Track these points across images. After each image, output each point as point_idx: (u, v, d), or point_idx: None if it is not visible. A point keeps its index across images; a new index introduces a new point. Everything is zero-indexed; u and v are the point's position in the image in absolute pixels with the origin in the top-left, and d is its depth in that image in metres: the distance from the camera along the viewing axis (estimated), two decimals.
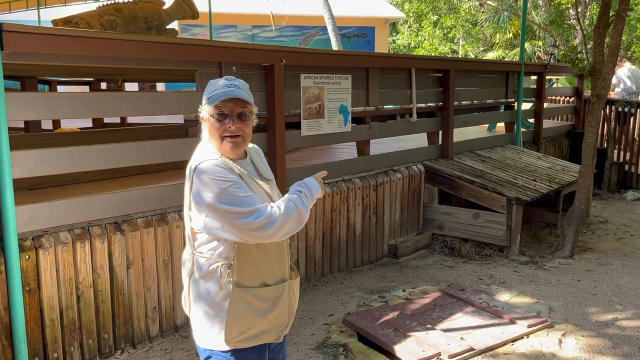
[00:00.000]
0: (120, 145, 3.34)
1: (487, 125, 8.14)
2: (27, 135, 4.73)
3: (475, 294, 4.12)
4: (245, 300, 1.88)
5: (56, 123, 6.64)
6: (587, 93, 8.87)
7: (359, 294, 4.29)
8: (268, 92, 4.03)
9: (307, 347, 3.41)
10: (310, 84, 4.39)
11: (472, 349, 3.28)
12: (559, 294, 4.28)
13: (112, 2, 5.46)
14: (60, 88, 7.84)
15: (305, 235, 4.41)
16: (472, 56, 21.63)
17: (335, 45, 13.31)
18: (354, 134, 4.90)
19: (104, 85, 7.91)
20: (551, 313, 3.88)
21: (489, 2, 18.35)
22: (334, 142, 4.92)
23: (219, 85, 1.89)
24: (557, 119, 9.90)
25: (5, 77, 2.74)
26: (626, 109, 8.60)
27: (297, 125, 4.38)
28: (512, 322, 3.64)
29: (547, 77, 8.42)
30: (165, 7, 5.74)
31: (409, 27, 25.29)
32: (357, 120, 5.04)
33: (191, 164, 1.90)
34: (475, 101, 6.87)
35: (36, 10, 10.29)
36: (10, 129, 2.77)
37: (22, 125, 5.62)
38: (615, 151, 8.51)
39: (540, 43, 19.08)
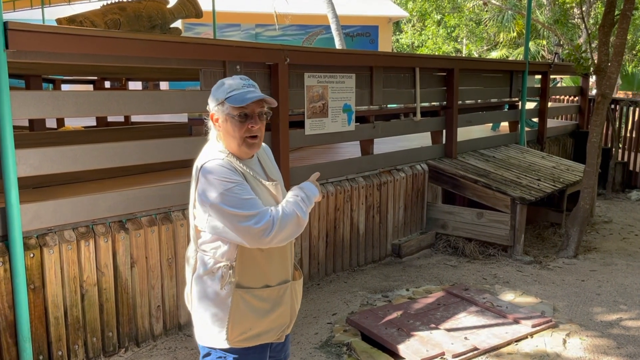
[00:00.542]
0: (125, 144, 3.34)
1: (491, 124, 8.12)
2: (32, 134, 4.74)
3: (479, 294, 4.11)
4: (247, 301, 1.88)
5: (60, 122, 6.65)
6: (591, 92, 8.85)
7: (363, 293, 4.28)
8: (272, 91, 4.03)
9: (311, 346, 3.41)
10: (314, 83, 4.39)
11: (476, 349, 3.28)
12: (563, 294, 4.26)
13: (116, 1, 5.46)
14: (64, 87, 7.85)
15: (309, 235, 4.40)
16: (476, 55, 21.58)
17: (338, 44, 13.30)
18: (357, 133, 4.90)
19: (107, 84, 7.92)
20: (555, 313, 3.87)
21: (493, 1, 18.29)
22: (338, 141, 4.91)
23: (238, 86, 1.88)
24: (561, 119, 9.88)
25: (10, 76, 2.75)
26: (631, 108, 8.57)
27: (300, 124, 4.38)
28: (516, 322, 3.63)
29: (551, 77, 8.39)
30: (169, 6, 5.74)
31: (413, 26, 25.25)
32: (361, 119, 5.03)
33: (197, 163, 1.90)
34: (479, 100, 6.85)
35: (40, 9, 10.32)
36: (14, 127, 2.78)
37: (26, 123, 5.63)
38: (620, 151, 8.49)
39: (545, 42, 19.03)
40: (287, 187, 2.13)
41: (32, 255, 2.85)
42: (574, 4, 16.07)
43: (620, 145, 8.63)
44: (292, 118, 4.24)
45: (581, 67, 5.77)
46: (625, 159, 8.56)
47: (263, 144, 2.10)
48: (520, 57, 17.58)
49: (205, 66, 3.66)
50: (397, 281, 4.56)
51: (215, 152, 1.90)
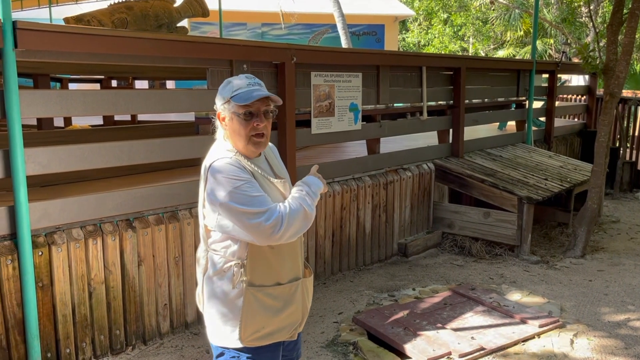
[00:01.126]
0: (132, 143, 3.35)
1: (498, 123, 8.09)
2: (40, 133, 4.77)
3: (485, 293, 4.10)
4: (259, 299, 1.88)
5: (67, 120, 6.69)
6: (599, 91, 8.80)
7: (369, 292, 4.28)
8: (279, 90, 4.03)
9: (317, 345, 3.41)
10: (321, 82, 4.39)
11: (482, 349, 3.27)
12: (571, 294, 4.25)
13: (123, 0, 5.47)
14: (71, 86, 7.89)
15: (315, 234, 4.41)
16: (483, 54, 21.51)
17: (344, 43, 13.29)
18: (364, 132, 4.89)
19: (114, 83, 7.95)
20: (563, 313, 3.85)
21: (500, 0, 18.22)
22: (344, 140, 4.91)
23: (243, 84, 1.88)
24: (569, 118, 9.83)
25: (19, 75, 2.76)
26: (639, 107, 8.51)
27: (307, 124, 4.38)
28: (523, 321, 3.62)
29: (558, 75, 8.35)
30: (175, 4, 5.76)
31: (419, 24, 25.18)
32: (368, 118, 5.02)
33: (206, 163, 1.91)
34: (486, 99, 6.83)
35: (47, 8, 10.36)
36: (23, 126, 2.79)
37: (34, 122, 5.65)
38: (628, 150, 8.44)
39: (552, 41, 18.93)
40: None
41: (40, 253, 2.87)
42: (581, 3, 15.98)
43: (628, 145, 8.57)
44: (298, 117, 4.24)
45: (589, 66, 5.73)
46: (633, 159, 8.51)
47: (270, 143, 2.10)
48: (527, 56, 17.50)
49: (212, 65, 3.67)
50: (403, 280, 4.55)
51: (223, 151, 1.91)
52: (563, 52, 9.65)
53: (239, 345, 1.90)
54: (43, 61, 3.13)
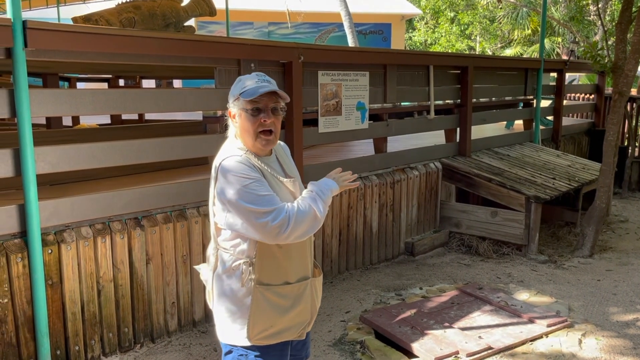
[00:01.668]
0: (141, 142, 3.37)
1: (505, 122, 8.06)
2: (49, 132, 4.80)
3: (493, 293, 4.09)
4: (267, 298, 1.89)
5: (75, 119, 6.72)
6: (608, 90, 8.74)
7: (376, 291, 4.28)
8: (286, 89, 4.03)
9: (325, 344, 3.42)
10: (328, 81, 4.39)
11: (490, 348, 3.26)
12: (579, 293, 4.23)
13: None
14: (79, 85, 7.93)
15: (322, 232, 4.41)
16: (490, 53, 21.42)
17: (351, 42, 13.27)
18: (371, 131, 4.89)
19: (121, 82, 7.98)
20: (571, 313, 3.83)
21: None
22: (351, 139, 4.91)
23: (251, 81, 1.90)
24: (577, 117, 9.77)
25: (28, 74, 2.78)
26: None
27: (314, 122, 4.38)
28: (531, 321, 3.61)
29: (567, 74, 8.31)
30: (183, 4, 5.77)
31: (426, 23, 25.11)
32: (375, 117, 5.02)
33: (216, 161, 1.92)
34: (493, 98, 6.81)
35: (56, 8, 10.42)
36: (32, 125, 2.81)
37: (43, 121, 5.69)
38: (637, 149, 8.38)
39: (560, 39, 18.83)
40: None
41: (50, 251, 2.89)
42: (589, 1, 15.88)
43: (637, 144, 8.51)
44: (305, 116, 4.24)
45: (598, 65, 5.70)
46: None
47: (281, 142, 2.11)
48: (535, 55, 17.41)
49: (220, 64, 3.68)
50: (410, 280, 4.55)
51: (233, 149, 1.91)
52: (571, 50, 9.58)
53: (247, 343, 1.91)
54: (52, 60, 3.14)
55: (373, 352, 3.29)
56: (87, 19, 5.28)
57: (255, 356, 1.93)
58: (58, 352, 2.97)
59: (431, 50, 22.34)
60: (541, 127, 7.43)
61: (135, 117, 7.09)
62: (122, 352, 3.24)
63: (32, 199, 2.78)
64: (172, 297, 3.46)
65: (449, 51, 21.33)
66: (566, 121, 8.31)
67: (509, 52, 20.44)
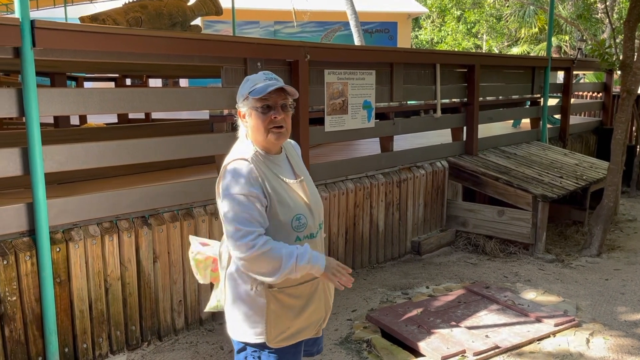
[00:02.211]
0: (148, 141, 3.38)
1: (512, 121, 8.02)
2: (57, 131, 4.83)
3: (500, 292, 4.08)
4: (280, 300, 1.90)
5: (82, 119, 6.76)
6: (615, 88, 8.68)
7: (382, 290, 4.28)
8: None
9: (331, 343, 3.42)
10: (334, 80, 4.39)
11: (497, 347, 3.25)
12: (587, 292, 4.21)
13: None
14: (86, 84, 7.97)
15: (329, 231, 4.41)
16: (496, 51, 21.34)
17: (357, 41, 13.26)
18: (377, 129, 4.88)
19: (128, 82, 8.02)
20: (578, 312, 3.82)
21: None
22: (358, 138, 4.91)
23: (260, 80, 1.91)
24: (584, 115, 9.72)
25: (36, 74, 2.79)
26: None
27: (320, 121, 4.38)
28: (538, 320, 3.60)
29: (574, 72, 8.26)
30: (189, 3, 5.79)
31: (432, 22, 25.04)
32: (381, 116, 5.01)
33: (225, 162, 1.93)
34: (500, 97, 6.78)
35: (63, 8, 10.47)
36: (40, 124, 2.83)
37: (51, 120, 5.72)
38: None
39: (567, 37, 18.73)
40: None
41: (58, 249, 2.91)
42: None
43: None
44: (312, 115, 4.24)
45: (605, 63, 5.67)
46: None
47: (292, 141, 2.12)
48: (542, 53, 17.33)
49: (226, 63, 3.68)
50: (416, 278, 4.54)
51: (242, 150, 1.92)
52: (579, 48, 9.53)
53: (260, 341, 1.92)
54: (60, 60, 3.16)
55: (379, 350, 3.29)
56: (94, 18, 5.30)
57: (270, 353, 1.94)
58: (66, 350, 2.99)
59: (438, 48, 22.27)
60: (548, 125, 7.40)
61: (141, 116, 7.12)
62: (129, 350, 3.26)
63: (40, 197, 2.80)
64: (179, 296, 3.48)
65: (455, 50, 21.25)
66: (574, 120, 8.27)
67: (515, 50, 20.35)
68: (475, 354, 3.17)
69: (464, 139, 5.95)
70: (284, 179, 1.94)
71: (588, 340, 3.39)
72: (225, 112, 3.87)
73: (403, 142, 5.85)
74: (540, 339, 3.40)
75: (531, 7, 18.72)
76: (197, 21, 6.37)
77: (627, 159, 7.07)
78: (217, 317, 3.65)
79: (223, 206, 1.85)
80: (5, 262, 2.73)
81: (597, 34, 17.15)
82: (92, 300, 3.06)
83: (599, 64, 5.89)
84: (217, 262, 2.08)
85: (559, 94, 7.75)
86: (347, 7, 13.20)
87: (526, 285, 4.35)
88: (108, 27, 3.80)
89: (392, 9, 17.44)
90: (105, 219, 3.16)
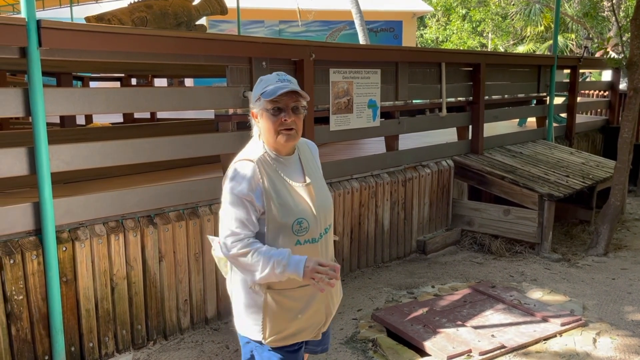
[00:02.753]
0: (154, 140, 3.39)
1: (517, 120, 7.99)
2: (63, 130, 4.84)
3: (506, 291, 4.06)
4: (279, 302, 1.91)
5: (88, 118, 6.78)
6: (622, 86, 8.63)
7: (388, 289, 4.27)
8: None
9: (336, 342, 3.42)
10: (339, 79, 4.38)
11: (503, 347, 3.24)
12: (593, 292, 4.19)
13: None
14: (92, 84, 8.00)
15: (334, 231, 4.40)
16: (502, 50, 21.26)
17: (362, 40, 13.24)
18: (382, 128, 4.87)
19: (134, 81, 8.04)
20: (585, 312, 3.80)
21: None
22: (363, 137, 4.90)
23: (273, 81, 1.91)
24: (591, 114, 9.66)
25: (42, 74, 2.80)
26: None
27: (325, 120, 4.38)
28: (544, 320, 3.58)
29: (581, 71, 8.22)
30: (194, 3, 5.80)
31: (437, 20, 24.98)
32: (386, 115, 5.00)
33: (233, 160, 1.96)
34: (506, 95, 6.75)
35: (69, 8, 10.52)
36: (46, 124, 2.83)
37: (57, 120, 5.74)
38: None
39: (573, 36, 18.64)
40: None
41: (64, 248, 2.92)
42: None
43: None
44: (317, 114, 4.24)
45: (612, 61, 5.63)
46: None
47: (310, 142, 2.12)
48: (548, 52, 17.26)
49: (231, 62, 3.68)
50: (422, 278, 4.53)
51: (251, 150, 1.94)
52: (585, 47, 9.49)
53: (260, 338, 1.94)
54: (66, 59, 3.17)
55: (385, 350, 3.28)
56: (99, 18, 5.32)
57: (269, 350, 1.96)
58: (72, 349, 3.00)
59: (443, 47, 22.22)
60: (554, 124, 7.36)
61: (147, 115, 7.13)
62: (135, 349, 3.27)
63: (46, 197, 2.81)
64: (185, 295, 3.48)
65: (461, 48, 21.19)
66: (580, 118, 8.22)
67: (521, 48, 20.28)
68: (481, 354, 3.16)
69: (470, 137, 5.93)
70: (290, 182, 1.93)
71: (595, 340, 3.37)
72: (231, 111, 3.88)
73: (409, 141, 5.84)
74: (546, 338, 3.38)
75: (537, 6, 18.64)
76: (202, 20, 6.39)
77: (634, 157, 7.01)
78: (223, 316, 3.66)
79: (222, 201, 1.92)
80: (12, 262, 2.74)
81: (604, 32, 17.06)
82: (98, 299, 3.07)
83: (605, 62, 5.86)
84: None
85: (565, 93, 7.71)
86: (352, 6, 13.17)
87: (532, 284, 4.34)
88: (113, 27, 3.81)
89: (397, 8, 17.40)
90: (111, 219, 3.17)
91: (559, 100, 7.65)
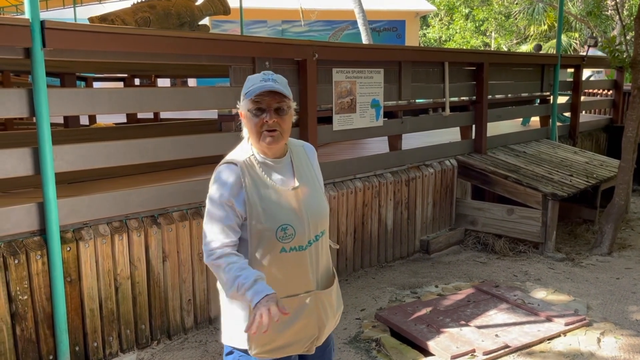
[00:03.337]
0: (157, 140, 3.40)
1: (521, 119, 7.97)
2: (67, 130, 4.86)
3: (509, 291, 4.06)
4: None
5: (92, 119, 6.80)
6: (626, 86, 8.60)
7: (391, 289, 4.27)
8: (300, 87, 4.03)
9: (340, 342, 3.42)
10: (343, 79, 4.38)
11: (507, 346, 3.24)
12: (597, 291, 4.17)
13: None
14: (96, 84, 8.02)
15: (337, 230, 4.41)
16: (505, 49, 21.22)
17: (365, 40, 13.23)
18: (385, 128, 4.87)
19: (137, 82, 8.05)
20: (589, 311, 3.79)
21: None
22: (366, 137, 4.90)
23: (257, 80, 1.82)
24: (595, 113, 9.63)
25: (46, 74, 2.81)
26: None
27: (328, 120, 4.38)
28: (548, 319, 3.57)
29: (594, 70, 8.19)
30: (197, 3, 5.80)
31: (440, 20, 24.95)
32: (389, 114, 5.00)
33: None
34: (509, 95, 6.74)
35: (72, 8, 10.54)
36: (50, 124, 2.84)
37: (61, 120, 5.76)
38: None
39: (577, 35, 18.59)
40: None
41: (68, 248, 2.93)
42: None
43: None
44: (320, 114, 4.24)
45: (616, 60, 5.61)
46: None
47: (309, 145, 2.02)
48: (551, 51, 17.21)
49: (234, 62, 3.69)
50: (425, 277, 4.53)
51: (238, 152, 1.88)
52: (589, 46, 9.44)
53: (245, 347, 1.84)
54: (70, 60, 3.18)
55: (389, 350, 3.28)
56: (103, 18, 5.34)
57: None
58: (77, 349, 3.01)
59: (446, 46, 22.19)
60: (558, 123, 7.34)
61: (150, 116, 7.15)
62: (139, 349, 3.27)
63: (50, 197, 2.82)
64: (189, 294, 3.49)
65: (464, 47, 21.16)
66: (584, 117, 8.20)
67: (524, 48, 20.23)
68: (485, 353, 3.15)
69: (473, 137, 5.92)
70: (276, 186, 1.83)
71: (599, 340, 3.36)
72: (234, 111, 3.89)
73: (412, 140, 5.83)
74: (550, 338, 3.38)
75: (540, 5, 18.61)
76: (205, 21, 6.39)
77: (638, 157, 7.00)
78: None
79: (207, 199, 1.86)
80: (16, 262, 2.75)
81: (607, 31, 17.01)
82: (102, 299, 3.08)
83: (609, 61, 5.84)
84: None
85: (568, 92, 7.70)
86: (355, 5, 13.16)
87: (536, 284, 4.33)
88: (117, 28, 3.82)
89: (400, 7, 17.39)
90: (115, 219, 3.17)
91: (562, 100, 7.63)
